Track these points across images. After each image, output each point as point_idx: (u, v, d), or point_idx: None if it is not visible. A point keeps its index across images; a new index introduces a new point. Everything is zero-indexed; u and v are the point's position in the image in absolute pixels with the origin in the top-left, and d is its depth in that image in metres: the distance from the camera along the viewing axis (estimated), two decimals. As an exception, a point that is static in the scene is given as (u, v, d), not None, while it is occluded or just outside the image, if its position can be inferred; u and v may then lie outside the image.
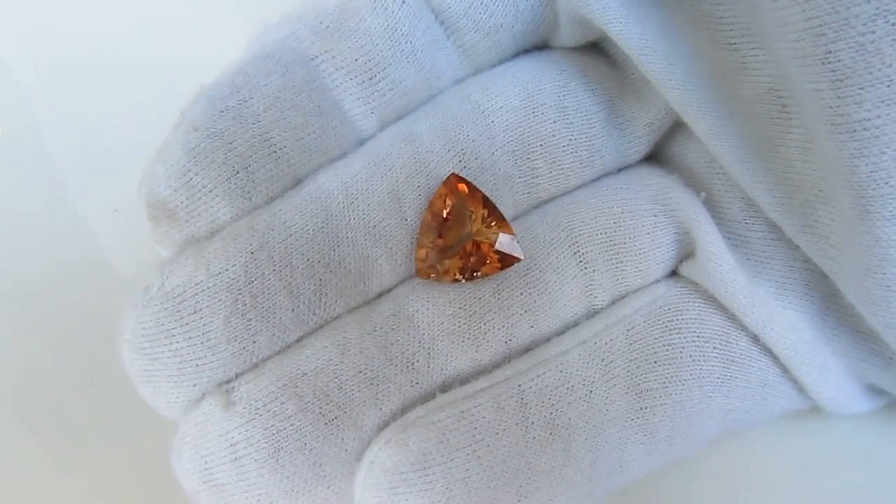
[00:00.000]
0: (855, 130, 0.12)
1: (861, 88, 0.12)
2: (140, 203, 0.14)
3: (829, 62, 0.12)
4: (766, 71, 0.14)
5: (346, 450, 0.14)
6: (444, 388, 0.14)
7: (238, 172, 0.14)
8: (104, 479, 0.17)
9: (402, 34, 0.15)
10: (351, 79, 0.15)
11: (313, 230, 0.14)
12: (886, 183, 0.12)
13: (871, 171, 0.12)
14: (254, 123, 0.14)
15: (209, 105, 0.14)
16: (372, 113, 0.15)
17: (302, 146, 0.14)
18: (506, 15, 0.16)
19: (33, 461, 0.17)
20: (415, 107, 0.16)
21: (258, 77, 0.14)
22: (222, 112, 0.14)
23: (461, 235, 0.14)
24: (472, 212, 0.14)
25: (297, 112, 0.14)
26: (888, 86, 0.12)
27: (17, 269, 0.20)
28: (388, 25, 0.15)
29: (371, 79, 0.15)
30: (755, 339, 0.15)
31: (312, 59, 0.15)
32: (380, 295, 0.15)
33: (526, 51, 0.17)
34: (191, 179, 0.14)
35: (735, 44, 0.14)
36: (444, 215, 0.14)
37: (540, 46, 0.17)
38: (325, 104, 0.15)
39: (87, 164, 0.22)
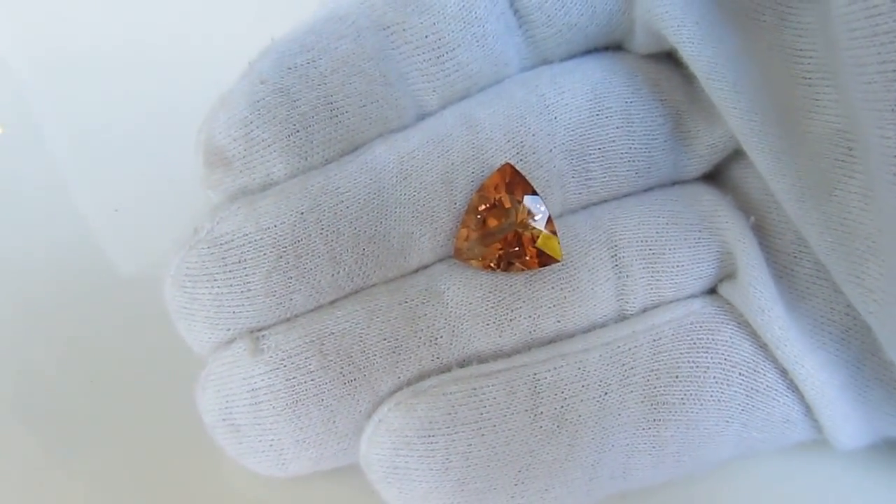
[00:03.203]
0: None
1: None
2: (197, 147, 0.14)
3: None
4: (837, 111, 0.13)
5: (360, 410, 0.14)
6: (462, 364, 0.15)
7: (298, 131, 0.14)
8: (104, 478, 0.17)
9: (476, 18, 0.15)
10: (419, 54, 0.15)
11: (363, 200, 0.14)
12: None
13: None
14: (319, 84, 0.14)
15: (278, 60, 0.14)
16: (434, 91, 0.15)
17: (363, 113, 0.15)
18: (581, 15, 0.16)
19: (32, 461, 0.17)
20: (479, 90, 0.16)
21: (329, 39, 0.14)
22: (290, 69, 0.14)
23: (504, 225, 0.15)
24: (520, 203, 0.15)
25: (363, 79, 0.14)
26: None
27: (17, 269, 0.20)
28: (463, 6, 0.15)
29: (439, 58, 0.15)
30: (783, 372, 0.15)
31: (385, 29, 0.15)
32: (416, 271, 0.15)
33: (597, 49, 0.17)
34: (251, 132, 0.14)
35: (810, 79, 0.14)
36: (492, 202, 0.15)
37: (612, 47, 0.17)
38: (392, 75, 0.15)
39: (87, 164, 0.22)
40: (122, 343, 0.18)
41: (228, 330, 0.14)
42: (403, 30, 0.15)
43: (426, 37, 0.15)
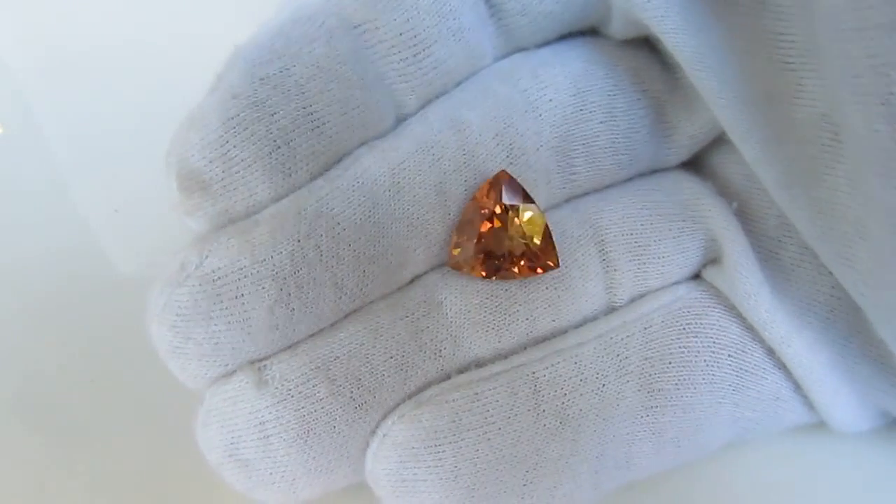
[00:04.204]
0: None
1: None
2: (169, 172, 0.13)
3: (890, 104, 0.11)
4: (821, 96, 0.13)
5: (372, 432, 0.14)
6: (462, 370, 0.15)
7: (280, 147, 0.13)
8: (104, 478, 0.17)
9: (450, 10, 0.14)
10: (395, 53, 0.14)
11: (360, 220, 0.14)
12: None
13: None
14: (297, 94, 0.13)
15: (248, 70, 0.13)
16: (413, 91, 0.14)
17: (345, 121, 0.14)
18: (556, 3, 0.15)
19: (33, 460, 0.17)
20: (455, 85, 0.15)
21: (301, 43, 0.13)
22: (263, 80, 0.13)
23: (498, 233, 0.14)
24: (513, 210, 0.14)
25: (341, 84, 0.14)
26: None
27: (17, 269, 0.20)
28: (435, 0, 0.14)
29: (416, 55, 0.14)
30: (770, 351, 0.15)
31: (356, 27, 0.14)
32: (410, 281, 0.15)
33: (572, 34, 0.16)
34: (228, 151, 0.13)
35: (792, 63, 0.14)
36: (486, 211, 0.14)
37: (587, 32, 0.17)
38: (369, 77, 0.14)
39: (87, 164, 0.22)
40: (122, 343, 0.18)
41: (227, 366, 0.14)
42: (376, 28, 0.14)
43: (401, 34, 0.14)
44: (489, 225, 0.14)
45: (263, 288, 0.13)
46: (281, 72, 0.13)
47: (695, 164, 0.17)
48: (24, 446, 0.17)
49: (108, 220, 0.21)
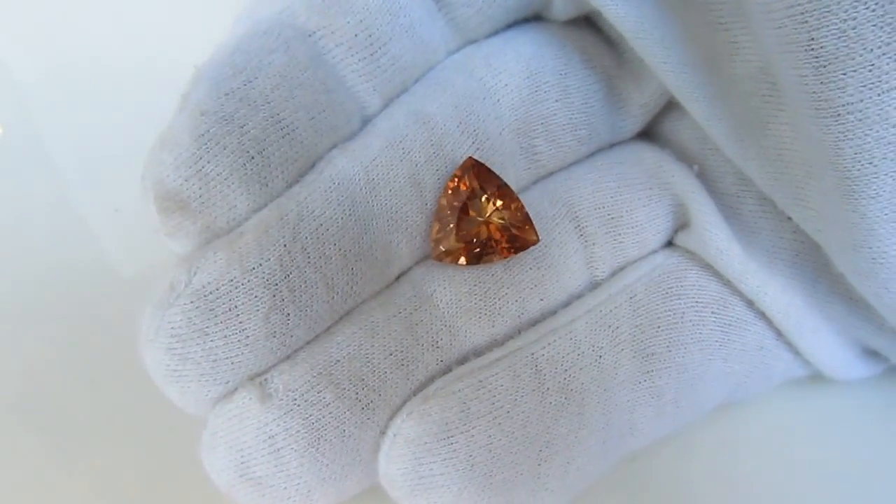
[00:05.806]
0: (839, 115, 0.12)
1: (844, 73, 0.12)
2: (146, 195, 0.13)
3: (812, 48, 0.12)
4: (755, 50, 0.14)
5: (381, 432, 0.14)
6: (461, 361, 0.15)
7: (254, 158, 0.13)
8: (104, 478, 0.17)
9: (401, 8, 0.15)
10: (352, 55, 0.14)
11: (342, 219, 0.14)
12: (870, 163, 0.13)
13: (856, 153, 0.13)
14: (263, 105, 0.13)
15: (213, 87, 0.13)
16: (375, 90, 0.15)
17: (313, 125, 0.14)
18: None
19: (32, 462, 0.17)
20: (414, 81, 0.16)
21: (260, 55, 0.14)
22: (228, 94, 0.13)
23: (475, 219, 0.15)
24: (486, 195, 0.15)
25: (304, 90, 0.14)
26: (870, 70, 0.12)
27: (17, 270, 0.20)
28: None
29: (372, 55, 0.14)
30: (750, 303, 0.16)
31: (311, 35, 0.14)
32: (397, 278, 0.15)
33: (518, 22, 0.17)
34: (203, 167, 0.13)
35: (726, 23, 0.14)
36: (459, 199, 0.15)
37: (531, 18, 0.17)
38: (330, 81, 0.14)
39: (88, 165, 0.22)
40: (122, 343, 0.18)
41: (227, 382, 0.14)
42: (332, 32, 0.14)
43: (356, 36, 0.14)
44: (464, 211, 0.15)
45: (257, 297, 0.13)
46: (245, 85, 0.13)
47: (651, 134, 0.18)
48: (24, 446, 0.18)
49: (109, 220, 0.21)
